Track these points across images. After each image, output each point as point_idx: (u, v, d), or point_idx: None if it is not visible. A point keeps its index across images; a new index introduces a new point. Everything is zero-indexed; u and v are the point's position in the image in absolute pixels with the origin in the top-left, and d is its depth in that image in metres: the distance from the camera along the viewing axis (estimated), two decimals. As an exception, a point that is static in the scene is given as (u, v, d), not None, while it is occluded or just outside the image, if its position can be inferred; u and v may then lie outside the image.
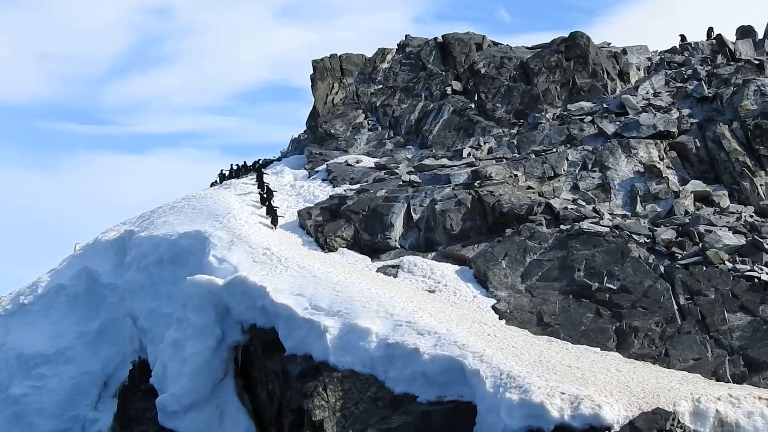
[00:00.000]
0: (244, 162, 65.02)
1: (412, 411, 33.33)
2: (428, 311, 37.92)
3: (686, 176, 48.63)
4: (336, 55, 68.46)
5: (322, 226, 48.32)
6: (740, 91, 51.57)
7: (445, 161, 53.64)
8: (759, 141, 48.68)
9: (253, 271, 42.22)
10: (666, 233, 42.82)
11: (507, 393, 30.98)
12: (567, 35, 62.52)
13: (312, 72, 67.07)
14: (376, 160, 58.57)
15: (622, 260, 41.02)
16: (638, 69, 63.01)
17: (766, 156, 48.23)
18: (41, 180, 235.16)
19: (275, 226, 49.38)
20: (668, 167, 48.97)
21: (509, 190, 47.33)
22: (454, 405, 33.04)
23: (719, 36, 64.66)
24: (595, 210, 45.75)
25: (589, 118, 53.41)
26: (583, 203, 46.78)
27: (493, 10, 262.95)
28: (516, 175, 48.82)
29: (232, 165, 64.94)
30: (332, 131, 63.51)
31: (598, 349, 35.88)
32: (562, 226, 44.23)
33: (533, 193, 47.85)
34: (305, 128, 68.58)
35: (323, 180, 56.29)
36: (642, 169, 48.51)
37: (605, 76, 60.31)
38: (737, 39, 64.83)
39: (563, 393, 30.40)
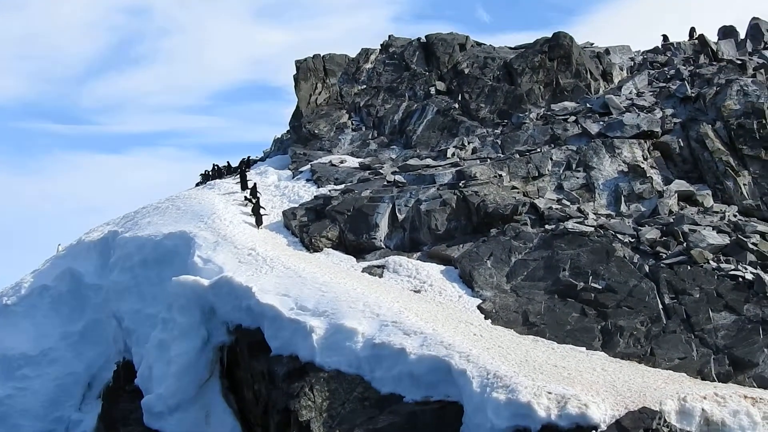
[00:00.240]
0: (228, 162, 65.08)
1: (398, 411, 33.42)
2: (414, 311, 38.00)
3: (670, 176, 48.75)
4: (319, 55, 68.33)
5: (307, 227, 48.32)
6: (723, 91, 51.75)
7: (429, 161, 53.66)
8: (742, 141, 48.83)
9: (238, 271, 42.17)
10: (650, 233, 42.96)
11: (494, 393, 31.09)
12: (550, 35, 62.52)
13: (295, 72, 66.92)
14: (360, 160, 58.54)
15: (607, 260, 41.13)
16: (621, 69, 63.14)
17: (749, 156, 48.37)
18: (19, 179, 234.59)
19: (259, 226, 49.38)
20: (652, 167, 49.09)
21: (494, 190, 47.40)
22: (441, 405, 33.15)
23: (701, 36, 64.84)
24: (579, 210, 45.85)
25: (573, 118, 53.52)
26: (568, 203, 46.89)
27: (472, 10, 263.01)
28: (500, 175, 48.89)
29: (214, 165, 64.96)
30: (316, 131, 63.45)
31: (584, 348, 35.98)
32: (546, 226, 44.32)
33: (518, 193, 47.93)
34: (288, 128, 68.47)
35: (307, 180, 56.19)
36: (626, 169, 48.62)
37: (588, 76, 60.39)
38: (719, 39, 65.07)
39: (550, 392, 30.52)
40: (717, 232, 42.79)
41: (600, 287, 39.71)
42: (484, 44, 68.18)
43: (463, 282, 42.35)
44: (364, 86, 66.66)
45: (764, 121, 49.03)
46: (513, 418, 30.31)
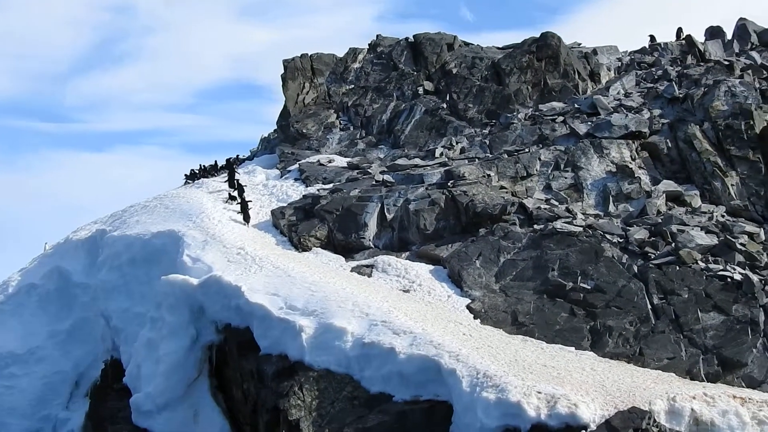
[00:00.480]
0: (215, 161, 65.04)
1: (388, 410, 33.46)
2: (403, 311, 38.01)
3: (658, 176, 48.87)
4: (307, 54, 68.28)
5: (295, 226, 48.29)
6: (711, 91, 51.87)
7: (418, 161, 53.67)
8: (730, 141, 48.95)
9: (227, 270, 42.12)
10: (639, 233, 43.07)
11: (484, 392, 31.15)
12: (538, 36, 62.68)
13: (283, 71, 66.93)
14: (348, 159, 58.55)
15: (596, 260, 41.24)
16: (609, 69, 63.24)
17: (737, 156, 48.50)
18: (1, 177, 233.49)
19: (247, 221, 49.40)
20: (640, 167, 49.20)
21: (483, 190, 47.43)
22: (431, 404, 33.20)
23: (689, 37, 64.94)
24: (568, 210, 45.94)
25: (561, 118, 53.62)
26: (556, 203, 46.97)
27: (456, 9, 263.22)
28: (489, 175, 48.92)
29: (200, 165, 64.86)
30: (304, 131, 63.44)
31: (573, 348, 36.12)
32: (535, 226, 44.39)
33: (506, 193, 47.97)
34: (275, 127, 68.43)
35: (296, 179, 56.15)
36: (614, 169, 48.72)
37: (576, 76, 60.52)
38: (706, 40, 65.21)
39: (540, 392, 30.60)
40: (705, 233, 42.93)
41: (589, 287, 39.82)
42: (472, 44, 68.22)
43: (452, 282, 42.40)
44: (352, 86, 66.67)
45: (752, 122, 49.15)
46: (503, 417, 30.39)
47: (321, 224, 47.77)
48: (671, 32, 67.81)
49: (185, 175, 63.64)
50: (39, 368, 51.72)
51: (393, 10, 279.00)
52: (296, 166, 58.10)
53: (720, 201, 47.04)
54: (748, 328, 36.92)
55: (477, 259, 43.05)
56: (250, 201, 50.94)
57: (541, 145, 51.46)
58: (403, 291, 41.48)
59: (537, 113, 55.80)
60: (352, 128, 63.54)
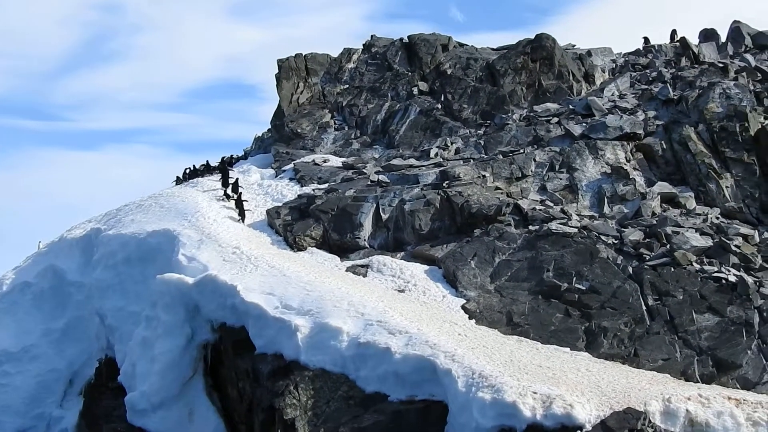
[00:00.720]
0: (207, 161, 65.06)
1: (383, 410, 33.49)
2: (399, 311, 38.02)
3: (652, 178, 48.96)
4: (301, 54, 68.31)
5: (291, 226, 48.33)
6: (705, 93, 52.00)
7: (412, 161, 53.74)
8: (724, 143, 49.04)
9: (223, 269, 42.13)
10: (633, 234, 43.13)
11: (479, 392, 31.19)
12: (533, 37, 62.72)
13: (277, 71, 66.96)
14: (343, 159, 58.59)
15: (591, 261, 41.30)
16: (603, 71, 63.34)
17: (731, 158, 48.59)
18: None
19: (243, 219, 49.46)
20: (635, 169, 49.32)
21: (478, 191, 47.49)
22: (426, 404, 33.24)
23: (683, 39, 65.04)
24: (563, 211, 46.02)
25: (556, 119, 53.75)
26: (551, 204, 47.05)
27: (446, 9, 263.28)
28: (484, 176, 48.98)
29: (193, 166, 64.77)
30: (298, 130, 63.46)
31: (568, 349, 36.20)
32: (530, 227, 44.42)
33: (501, 193, 48.03)
34: (268, 127, 68.60)
35: (291, 179, 56.23)
36: (609, 171, 48.80)
37: (571, 77, 60.60)
38: (700, 42, 65.33)
39: (535, 392, 30.66)
40: (700, 234, 43.03)
41: (584, 288, 39.90)
42: (467, 45, 68.31)
43: (446, 282, 42.44)
44: (347, 86, 66.73)
45: (746, 124, 49.26)
46: (498, 417, 30.43)
47: (316, 224, 47.81)
48: (665, 34, 68.05)
49: (177, 177, 63.65)
50: (33, 366, 51.68)
51: (383, 10, 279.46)
52: (291, 165, 58.14)
53: (715, 203, 47.14)
54: (742, 329, 37.01)
55: (472, 259, 43.10)
56: (246, 201, 50.97)
57: (536, 146, 51.55)
58: (399, 291, 41.51)
59: (532, 114, 55.91)
60: (346, 128, 63.58)
